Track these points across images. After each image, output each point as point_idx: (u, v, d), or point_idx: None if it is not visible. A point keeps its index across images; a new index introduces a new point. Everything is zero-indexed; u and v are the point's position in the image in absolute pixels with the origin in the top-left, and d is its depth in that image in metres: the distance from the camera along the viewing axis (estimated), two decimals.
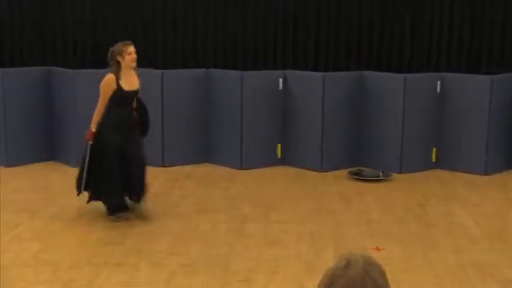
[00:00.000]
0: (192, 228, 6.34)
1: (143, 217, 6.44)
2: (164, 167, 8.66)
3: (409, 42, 9.29)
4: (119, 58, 6.14)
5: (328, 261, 2.04)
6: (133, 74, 6.31)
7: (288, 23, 9.35)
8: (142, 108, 6.54)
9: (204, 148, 8.99)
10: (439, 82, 8.71)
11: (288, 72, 8.99)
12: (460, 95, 8.59)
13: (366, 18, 9.31)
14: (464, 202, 7.38)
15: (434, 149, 8.80)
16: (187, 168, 8.69)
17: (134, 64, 6.21)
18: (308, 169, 8.62)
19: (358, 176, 8.27)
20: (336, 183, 8.12)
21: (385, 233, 6.27)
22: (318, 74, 8.78)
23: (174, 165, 8.73)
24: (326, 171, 8.61)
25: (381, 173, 8.25)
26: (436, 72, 8.97)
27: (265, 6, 9.32)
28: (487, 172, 8.52)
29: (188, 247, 5.80)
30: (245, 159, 8.72)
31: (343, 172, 8.50)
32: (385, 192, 7.72)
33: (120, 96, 6.19)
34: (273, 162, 8.90)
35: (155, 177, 8.08)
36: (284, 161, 8.96)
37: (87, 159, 6.23)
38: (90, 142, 6.23)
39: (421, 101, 8.61)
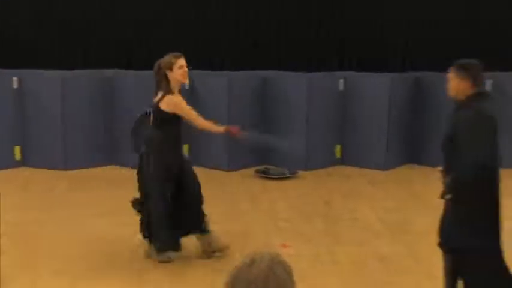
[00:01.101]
0: (96, 232, 6.19)
1: (210, 253, 5.54)
2: (67, 170, 8.43)
3: (314, 41, 9.48)
4: (168, 72, 5.24)
5: (236, 260, 2.03)
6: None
7: (190, 22, 9.32)
8: None
9: (108, 150, 8.81)
10: (341, 81, 8.93)
11: (194, 72, 8.92)
12: (362, 93, 8.84)
13: (273, 17, 9.42)
14: (367, 197, 7.59)
15: (338, 146, 9.02)
16: (91, 171, 8.49)
17: (186, 79, 5.38)
18: (215, 169, 8.62)
19: (265, 175, 8.34)
20: (243, 182, 8.16)
21: (292, 230, 6.35)
22: (224, 74, 8.80)
23: (77, 168, 8.51)
24: (233, 170, 8.63)
25: (287, 171, 8.36)
26: (339, 71, 9.21)
27: (165, 5, 9.25)
28: (387, 168, 8.81)
29: (91, 252, 5.65)
30: None
31: (250, 171, 8.55)
32: (292, 190, 7.83)
33: (174, 117, 5.27)
34: None
35: (57, 181, 7.88)
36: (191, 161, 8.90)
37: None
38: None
39: (325, 100, 8.80)
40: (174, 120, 5.27)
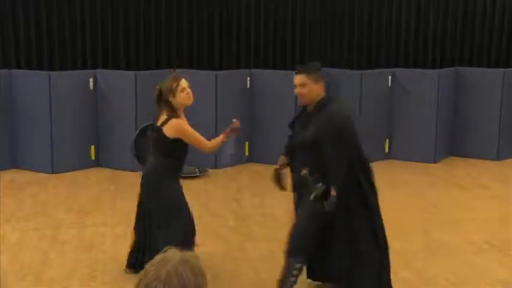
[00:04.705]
0: (0, 238, 5.97)
1: None
2: None
3: (218, 40, 9.55)
4: (171, 98, 4.73)
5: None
6: None
7: (96, 23, 9.17)
8: None
9: (10, 153, 8.51)
10: (248, 78, 9.04)
11: (98, 71, 8.79)
12: (268, 89, 8.97)
13: (176, 17, 9.39)
14: (275, 193, 7.67)
15: (247, 143, 9.09)
16: None
17: (191, 102, 4.84)
18: (123, 169, 8.48)
19: None
20: None
21: (203, 228, 6.34)
22: (130, 73, 8.70)
23: None
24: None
25: (197, 169, 8.35)
26: (246, 69, 9.35)
27: (70, 5, 9.04)
28: None
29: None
30: (56, 163, 8.39)
31: None
32: (202, 188, 7.83)
33: (181, 143, 4.84)
34: (87, 164, 8.65)
35: None
36: (98, 163, 8.75)
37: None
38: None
39: (232, 96, 8.86)
40: (180, 146, 4.83)
